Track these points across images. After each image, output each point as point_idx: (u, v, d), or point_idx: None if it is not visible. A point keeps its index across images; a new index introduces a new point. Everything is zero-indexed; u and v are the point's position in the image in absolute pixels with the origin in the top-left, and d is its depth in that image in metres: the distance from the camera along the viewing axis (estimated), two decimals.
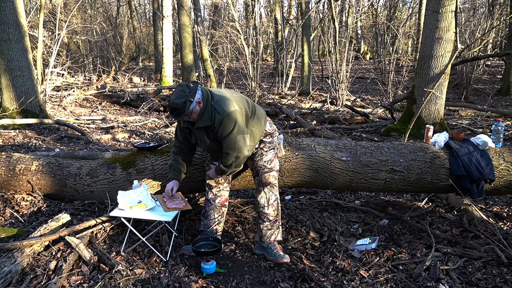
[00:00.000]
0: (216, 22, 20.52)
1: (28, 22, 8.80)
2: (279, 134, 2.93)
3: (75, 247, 2.46)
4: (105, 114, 8.26)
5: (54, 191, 3.23)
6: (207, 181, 2.76)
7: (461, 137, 3.14)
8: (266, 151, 2.71)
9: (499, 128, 3.16)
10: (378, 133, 6.54)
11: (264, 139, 2.72)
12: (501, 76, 13.39)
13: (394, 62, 11.54)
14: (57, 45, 9.31)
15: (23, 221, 2.97)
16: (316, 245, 2.85)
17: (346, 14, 20.90)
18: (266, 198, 2.64)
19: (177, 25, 13.86)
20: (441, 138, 3.11)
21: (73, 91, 9.38)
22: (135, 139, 6.13)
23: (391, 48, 13.28)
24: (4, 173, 3.23)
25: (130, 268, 2.42)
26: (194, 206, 3.25)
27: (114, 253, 2.57)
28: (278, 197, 2.70)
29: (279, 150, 2.84)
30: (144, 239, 2.63)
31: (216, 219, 2.73)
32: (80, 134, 5.96)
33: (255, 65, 10.09)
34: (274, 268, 2.51)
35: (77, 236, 2.59)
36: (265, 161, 2.68)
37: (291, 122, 7.51)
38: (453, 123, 7.07)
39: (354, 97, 9.98)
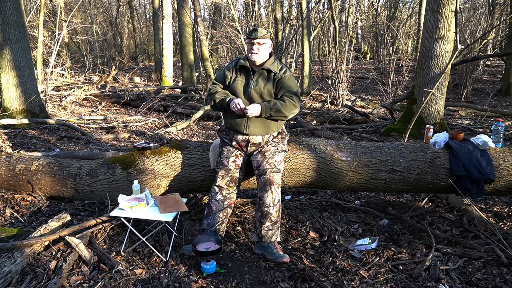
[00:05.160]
0: (216, 22, 20.53)
1: (28, 22, 8.81)
2: None
3: (75, 247, 2.46)
4: (105, 114, 8.26)
5: (54, 191, 3.23)
6: (218, 183, 2.76)
7: (461, 137, 3.14)
8: (279, 152, 2.79)
9: (499, 128, 3.16)
10: (378, 133, 6.54)
11: (281, 134, 2.87)
12: (501, 76, 13.39)
13: (394, 62, 11.54)
14: (57, 45, 9.31)
15: (23, 221, 2.97)
16: (316, 245, 2.85)
17: (346, 14, 20.91)
18: (272, 197, 2.64)
19: (177, 25, 13.86)
20: (441, 138, 3.11)
21: (73, 91, 9.38)
22: (135, 139, 6.13)
23: (391, 48, 13.29)
24: (4, 173, 3.24)
25: (130, 268, 2.42)
26: (193, 206, 3.25)
27: (114, 253, 2.57)
28: (281, 199, 2.72)
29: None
30: (144, 239, 2.63)
31: (221, 219, 2.74)
32: (80, 134, 5.96)
33: None
34: (274, 268, 2.51)
35: (77, 236, 2.59)
36: (276, 161, 2.74)
37: (291, 122, 7.51)
38: (453, 123, 7.07)
39: (354, 97, 9.97)
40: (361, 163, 3.03)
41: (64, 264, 2.34)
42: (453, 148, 3.01)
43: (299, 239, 2.91)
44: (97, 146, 5.44)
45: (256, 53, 2.72)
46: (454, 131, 3.57)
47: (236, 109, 2.67)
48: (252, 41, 2.70)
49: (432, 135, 3.23)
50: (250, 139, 2.77)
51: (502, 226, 3.19)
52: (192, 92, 10.79)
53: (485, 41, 9.15)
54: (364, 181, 3.07)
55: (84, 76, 13.37)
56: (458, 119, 7.89)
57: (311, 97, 11.28)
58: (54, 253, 2.48)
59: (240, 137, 2.77)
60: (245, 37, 2.77)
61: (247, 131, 2.73)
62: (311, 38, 12.60)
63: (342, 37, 12.87)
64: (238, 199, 3.54)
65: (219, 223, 2.73)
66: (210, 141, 3.39)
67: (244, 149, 2.82)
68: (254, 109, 2.66)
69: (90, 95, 9.58)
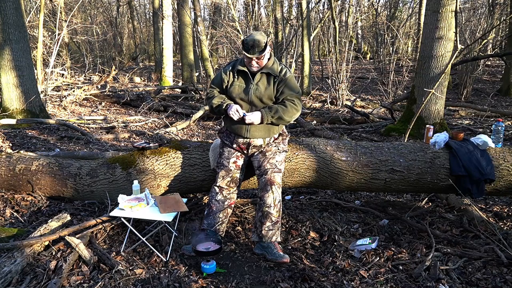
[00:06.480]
0: (216, 22, 20.53)
1: (28, 22, 8.81)
2: None
3: (75, 247, 2.46)
4: (106, 114, 8.26)
5: (54, 191, 3.23)
6: (218, 184, 2.75)
7: (461, 137, 3.14)
8: (280, 152, 2.78)
9: (499, 128, 3.16)
10: (378, 133, 6.54)
11: (282, 135, 2.86)
12: (501, 76, 13.39)
13: (394, 62, 11.54)
14: (57, 45, 9.31)
15: (23, 221, 2.97)
16: (316, 245, 2.85)
17: (346, 14, 20.91)
18: (273, 197, 2.64)
19: (177, 25, 13.86)
20: (441, 138, 3.11)
21: (73, 91, 9.38)
22: (135, 139, 6.13)
23: (391, 48, 13.28)
24: (4, 173, 3.24)
25: (130, 268, 2.42)
26: (193, 206, 3.25)
27: (114, 253, 2.57)
28: (281, 199, 2.72)
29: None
30: (144, 239, 2.63)
31: (221, 219, 2.74)
32: (80, 134, 5.96)
33: None
34: (274, 268, 2.51)
35: (77, 236, 2.59)
36: (276, 161, 2.73)
37: (292, 122, 7.51)
38: (453, 123, 7.07)
39: (354, 97, 9.97)
40: (361, 163, 3.03)
41: (64, 264, 2.34)
42: (453, 148, 3.01)
43: (299, 239, 2.91)
44: (97, 146, 5.44)
45: (256, 67, 2.68)
46: (454, 131, 3.57)
47: (234, 115, 2.63)
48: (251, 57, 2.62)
49: (432, 135, 3.23)
50: (251, 142, 2.76)
51: (502, 226, 3.19)
52: (192, 92, 10.79)
53: (485, 41, 9.15)
54: (364, 181, 3.07)
55: (84, 76, 13.37)
56: (458, 119, 7.89)
57: (311, 97, 11.28)
58: (54, 253, 2.48)
59: (241, 140, 2.76)
60: (241, 47, 2.66)
61: (248, 135, 2.72)
62: (311, 38, 12.60)
63: (342, 37, 12.86)
64: (238, 199, 3.54)
65: (219, 223, 2.73)
66: (210, 141, 3.39)
67: (245, 151, 2.81)
68: (254, 118, 2.64)
69: (90, 95, 9.58)
